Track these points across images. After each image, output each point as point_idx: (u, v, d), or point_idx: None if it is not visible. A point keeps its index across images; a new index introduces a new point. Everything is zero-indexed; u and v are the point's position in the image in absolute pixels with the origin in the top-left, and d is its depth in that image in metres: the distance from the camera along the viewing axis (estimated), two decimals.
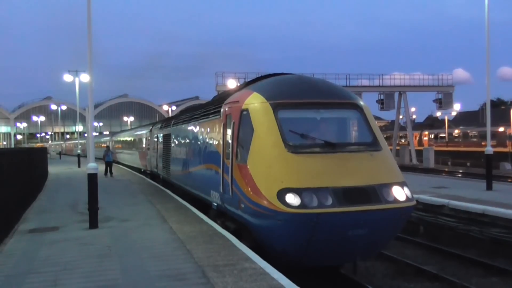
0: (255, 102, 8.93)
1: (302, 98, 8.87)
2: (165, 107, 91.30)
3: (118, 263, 7.58)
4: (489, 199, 13.87)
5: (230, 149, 9.31)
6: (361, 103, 9.33)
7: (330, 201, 7.58)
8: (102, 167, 25.12)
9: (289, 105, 8.77)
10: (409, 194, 8.17)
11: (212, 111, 11.62)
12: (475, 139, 56.53)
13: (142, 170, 28.17)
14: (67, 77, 36.29)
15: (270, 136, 8.37)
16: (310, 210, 7.47)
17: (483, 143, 44.65)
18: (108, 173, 26.34)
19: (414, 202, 8.26)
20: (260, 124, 8.60)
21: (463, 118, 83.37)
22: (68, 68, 36.99)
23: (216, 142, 10.70)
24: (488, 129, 18.14)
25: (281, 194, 7.60)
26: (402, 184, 8.22)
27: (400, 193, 8.06)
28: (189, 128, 14.19)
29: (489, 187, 16.62)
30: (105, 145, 42.28)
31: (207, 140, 11.65)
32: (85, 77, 33.66)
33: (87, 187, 11.02)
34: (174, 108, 79.30)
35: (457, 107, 62.99)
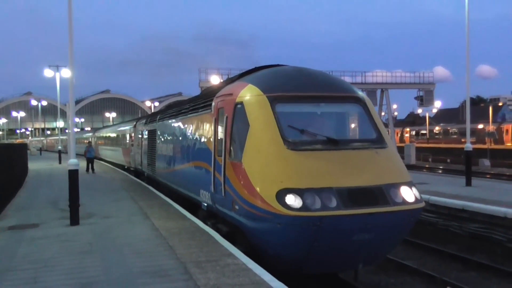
0: (250, 95, 8.29)
1: (301, 91, 8.27)
2: (148, 103, 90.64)
3: (99, 260, 7.52)
4: (468, 195, 14.10)
5: (223, 146, 8.68)
6: (364, 96, 8.78)
7: (334, 202, 6.98)
8: (83, 164, 24.85)
9: (288, 99, 8.16)
10: (417, 194, 7.65)
11: (202, 105, 10.91)
12: (455, 136, 57.39)
13: (126, 167, 27.86)
14: (48, 72, 35.76)
15: (268, 132, 7.76)
16: (313, 213, 6.87)
17: (463, 140, 45.33)
18: (90, 170, 26.07)
19: (423, 204, 7.74)
20: (256, 118, 7.98)
21: (444, 115, 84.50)
22: (49, 63, 36.48)
23: (207, 138, 10.04)
24: (468, 126, 18.43)
25: (280, 195, 7.00)
26: (410, 184, 7.68)
27: (408, 194, 7.52)
28: (177, 123, 13.50)
29: (468, 183, 16.89)
30: (87, 141, 41.81)
31: (197, 136, 10.95)
32: (66, 72, 33.21)
33: (68, 183, 10.90)
34: (157, 104, 78.86)
35: (437, 104, 63.83)
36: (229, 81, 10.44)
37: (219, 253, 7.58)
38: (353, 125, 8.78)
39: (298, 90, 8.30)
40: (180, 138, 12.83)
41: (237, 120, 8.38)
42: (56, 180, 21.61)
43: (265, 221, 7.19)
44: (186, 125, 12.30)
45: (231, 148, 8.37)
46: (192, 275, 6.46)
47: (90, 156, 26.63)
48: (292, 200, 6.95)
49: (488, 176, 27.25)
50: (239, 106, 8.40)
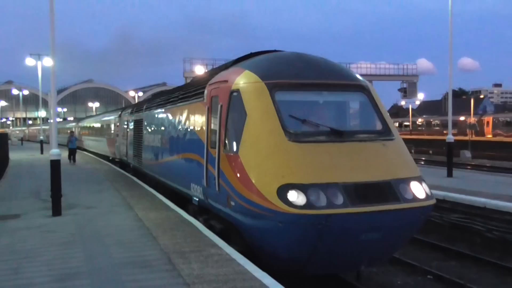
0: (247, 82, 7.72)
1: (302, 78, 7.72)
2: (132, 93, 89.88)
3: (81, 250, 7.47)
4: (449, 186, 14.31)
5: (217, 137, 8.07)
6: (368, 84, 8.30)
7: (340, 199, 6.49)
8: (66, 154, 24.55)
9: (288, 86, 7.62)
10: (428, 190, 7.21)
11: (193, 93, 10.26)
12: (437, 128, 58.09)
13: (111, 158, 27.49)
14: (29, 61, 35.19)
15: (267, 122, 7.21)
16: (318, 210, 6.37)
17: (445, 132, 45.91)
18: (72, 161, 25.66)
19: (434, 201, 7.30)
20: (254, 107, 7.42)
21: (427, 107, 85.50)
22: (30, 52, 35.98)
23: (199, 129, 9.43)
24: (450, 118, 18.68)
25: (282, 191, 6.48)
26: (419, 179, 7.22)
27: (419, 190, 7.07)
28: (165, 112, 12.81)
29: (449, 174, 17.14)
30: (69, 131, 41.31)
31: (187, 127, 10.33)
32: (48, 61, 32.71)
33: (50, 173, 10.78)
34: (140, 94, 78.05)
35: (421, 96, 64.48)
36: (223, 67, 9.70)
37: (203, 243, 7.57)
38: (357, 115, 8.37)
39: (299, 77, 7.76)
40: (169, 129, 12.21)
41: (232, 109, 7.81)
42: (37, 171, 21.33)
43: (265, 219, 6.67)
44: (175, 115, 11.60)
45: (226, 139, 7.80)
46: (176, 265, 6.45)
47: (72, 147, 26.02)
48: (295, 197, 6.45)
49: (469, 167, 27.71)
50: (235, 94, 7.81)
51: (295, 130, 7.16)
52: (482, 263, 10.17)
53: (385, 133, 7.69)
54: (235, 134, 7.55)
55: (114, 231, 8.69)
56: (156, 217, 9.80)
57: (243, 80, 7.85)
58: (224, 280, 5.79)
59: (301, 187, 6.52)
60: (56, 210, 10.48)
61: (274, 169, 6.83)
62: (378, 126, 7.83)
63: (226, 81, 8.29)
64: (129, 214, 10.31)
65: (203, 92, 9.37)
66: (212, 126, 8.56)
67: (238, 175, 7.22)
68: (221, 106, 8.12)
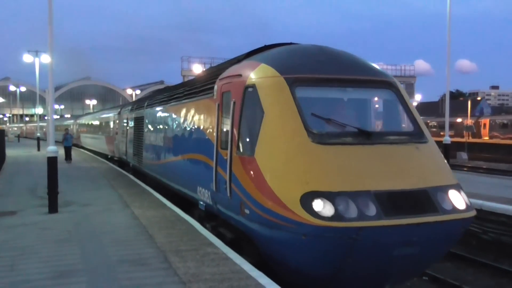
0: (264, 76, 7.03)
1: (325, 73, 7.06)
2: (129, 91, 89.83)
3: (78, 248, 7.47)
4: None
5: (229, 137, 7.40)
6: (396, 81, 7.66)
7: (373, 210, 5.78)
8: (63, 151, 24.48)
9: (309, 81, 6.94)
10: (467, 200, 6.48)
11: (201, 89, 9.56)
12: (434, 129, 58.15)
13: (109, 156, 27.27)
14: (27, 58, 35.12)
15: (287, 121, 6.52)
16: (348, 223, 5.65)
17: (441, 133, 46.00)
18: (68, 158, 25.40)
19: (474, 212, 6.48)
20: (272, 104, 6.72)
21: (424, 109, 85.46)
22: (28, 48, 35.90)
23: (207, 127, 8.78)
24: (447, 119, 18.79)
25: (306, 200, 5.78)
26: (458, 187, 6.50)
27: (458, 199, 6.33)
28: (169, 110, 12.15)
29: None
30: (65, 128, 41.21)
31: (194, 125, 9.66)
32: (45, 58, 32.64)
33: (47, 170, 10.77)
34: (138, 92, 78.14)
35: (418, 97, 64.59)
36: (234, 61, 8.87)
37: (199, 242, 7.58)
38: (386, 115, 7.69)
39: (322, 71, 7.08)
40: (173, 127, 11.59)
41: (247, 107, 7.12)
42: (34, 168, 21.29)
43: (286, 230, 5.95)
44: (180, 112, 10.90)
45: (240, 140, 7.11)
46: (172, 263, 6.46)
47: (68, 144, 25.55)
48: (321, 206, 5.74)
49: (465, 169, 27.77)
50: (250, 89, 7.12)
51: (319, 131, 6.46)
52: (477, 264, 10.21)
53: (418, 135, 7.00)
54: (250, 134, 6.90)
55: (110, 229, 8.69)
56: (152, 215, 9.80)
57: (259, 74, 7.15)
58: (220, 279, 5.79)
59: (328, 196, 5.81)
60: (53, 207, 10.47)
61: (296, 174, 6.12)
62: (409, 127, 7.16)
63: (239, 76, 7.60)
64: (125, 212, 10.31)
65: (212, 88, 8.72)
66: (223, 125, 7.93)
67: (254, 180, 6.53)
68: (234, 103, 7.45)
